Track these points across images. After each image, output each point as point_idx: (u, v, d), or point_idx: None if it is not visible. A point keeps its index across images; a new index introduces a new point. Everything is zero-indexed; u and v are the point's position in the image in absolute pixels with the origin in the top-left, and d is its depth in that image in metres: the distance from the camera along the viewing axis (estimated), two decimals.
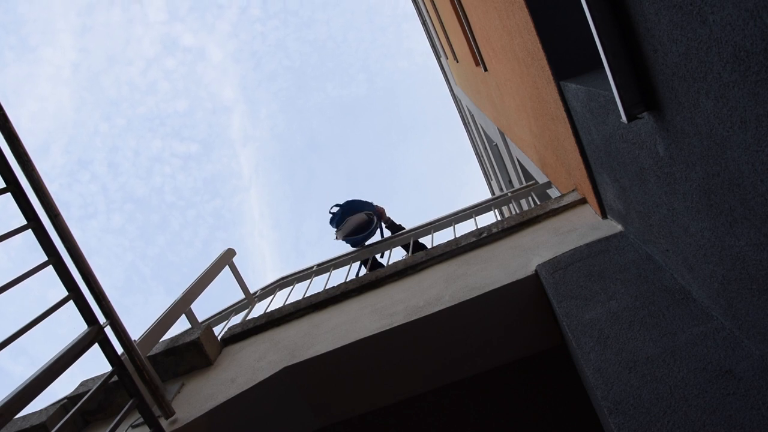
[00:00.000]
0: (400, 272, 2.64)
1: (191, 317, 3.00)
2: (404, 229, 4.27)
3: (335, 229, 4.25)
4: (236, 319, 3.46)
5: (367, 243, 4.19)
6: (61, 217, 1.94)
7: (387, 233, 4.40)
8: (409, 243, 3.72)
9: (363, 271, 3.98)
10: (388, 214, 4.51)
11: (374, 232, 4.22)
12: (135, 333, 2.28)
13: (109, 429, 1.78)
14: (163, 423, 2.11)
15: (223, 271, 3.38)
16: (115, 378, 2.00)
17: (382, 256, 4.22)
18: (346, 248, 4.18)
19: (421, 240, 4.09)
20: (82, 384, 2.58)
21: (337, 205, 4.42)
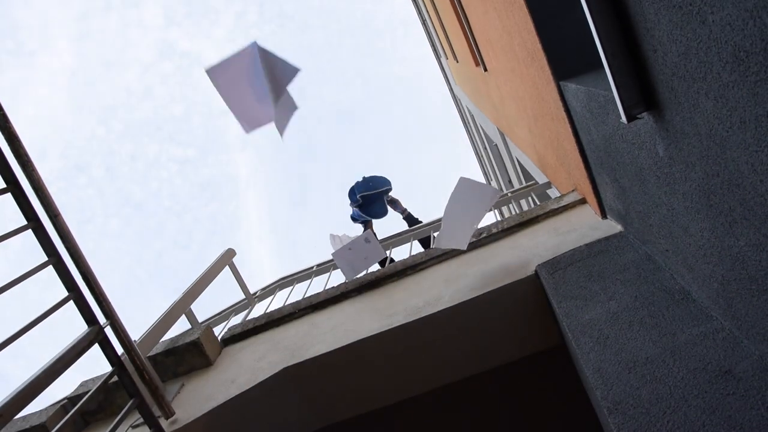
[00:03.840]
0: (400, 272, 2.64)
1: (191, 317, 3.00)
2: (421, 222, 4.40)
3: (352, 202, 4.61)
4: (236, 320, 3.46)
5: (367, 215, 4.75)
6: (61, 217, 1.94)
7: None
8: (427, 237, 3.82)
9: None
10: (404, 205, 4.71)
11: (373, 203, 4.73)
12: (134, 335, 2.28)
13: (109, 429, 1.78)
14: (164, 423, 2.11)
15: (223, 271, 3.38)
16: (115, 378, 2.00)
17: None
18: None
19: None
20: (82, 384, 2.58)
21: (360, 181, 4.77)
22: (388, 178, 4.91)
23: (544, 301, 2.06)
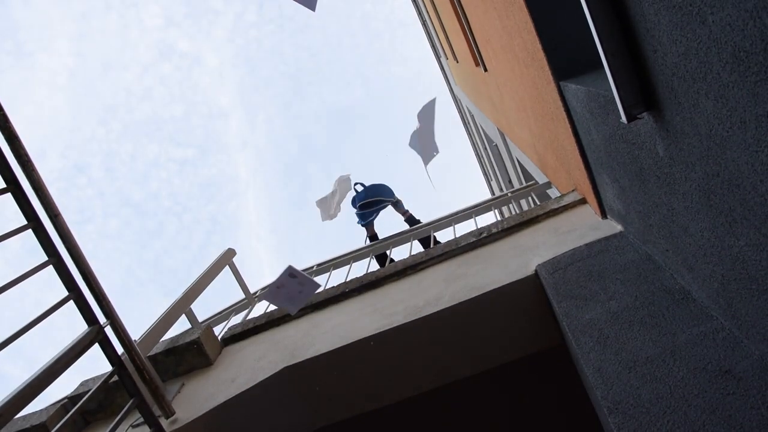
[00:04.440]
0: (400, 272, 2.64)
1: (191, 317, 3.00)
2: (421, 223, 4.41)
3: (355, 208, 4.62)
4: (236, 319, 3.46)
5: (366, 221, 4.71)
6: (62, 217, 1.94)
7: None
8: (427, 237, 3.81)
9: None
10: (405, 206, 4.73)
11: (376, 211, 4.60)
12: (134, 335, 2.28)
13: (109, 429, 1.78)
14: (164, 423, 2.11)
15: (223, 271, 3.38)
16: (115, 378, 2.00)
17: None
18: (346, 248, 4.21)
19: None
20: (83, 384, 2.58)
21: (361, 185, 4.75)
22: (390, 188, 4.92)
23: (544, 301, 2.07)
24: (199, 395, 2.31)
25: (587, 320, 1.66)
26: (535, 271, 2.07)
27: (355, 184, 4.95)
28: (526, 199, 4.61)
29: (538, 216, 2.56)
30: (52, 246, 1.90)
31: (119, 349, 2.02)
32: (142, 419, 2.16)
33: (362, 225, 4.76)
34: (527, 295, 2.09)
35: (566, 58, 2.09)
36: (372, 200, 4.70)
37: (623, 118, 1.35)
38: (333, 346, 2.23)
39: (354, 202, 4.81)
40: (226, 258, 3.46)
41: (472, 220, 3.64)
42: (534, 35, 2.17)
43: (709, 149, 1.10)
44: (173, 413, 2.18)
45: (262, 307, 3.51)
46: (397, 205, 4.87)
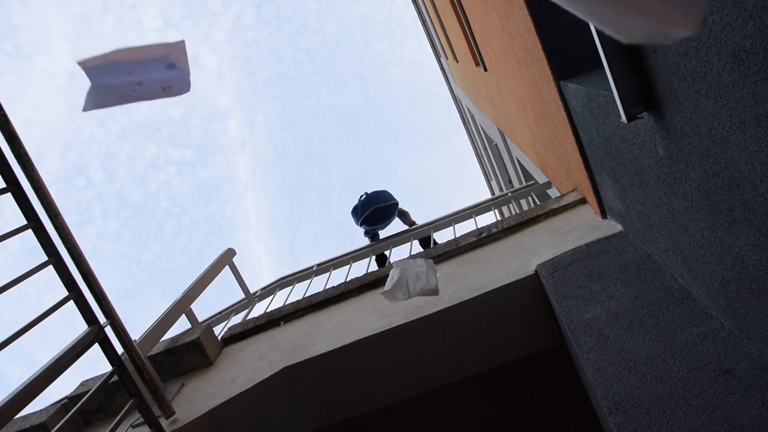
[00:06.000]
0: None
1: (191, 317, 3.00)
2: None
3: (357, 219, 4.50)
4: (236, 319, 3.47)
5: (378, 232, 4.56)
6: (61, 217, 1.94)
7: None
8: (427, 237, 3.80)
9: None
10: (413, 218, 4.67)
11: (387, 224, 4.53)
12: (134, 335, 2.28)
13: (109, 429, 1.78)
14: (164, 423, 2.11)
15: (223, 271, 3.38)
16: (115, 378, 2.00)
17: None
18: (345, 248, 4.21)
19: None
20: (82, 384, 2.58)
21: (364, 194, 4.66)
22: (391, 194, 4.78)
23: (545, 300, 2.06)
24: (199, 395, 2.31)
25: (587, 320, 1.66)
26: (535, 271, 2.07)
27: (361, 197, 4.81)
28: (526, 199, 4.61)
29: (538, 216, 2.56)
30: (52, 246, 1.90)
31: (119, 349, 2.02)
32: (142, 419, 2.16)
33: (370, 236, 4.63)
34: (527, 295, 2.09)
35: (566, 58, 2.09)
36: (379, 206, 4.56)
37: (623, 118, 1.35)
38: (333, 346, 2.23)
39: (356, 216, 4.64)
40: (226, 258, 3.46)
41: (472, 220, 3.64)
42: (534, 35, 2.17)
43: (709, 149, 1.10)
44: (173, 413, 2.18)
45: (262, 307, 3.52)
46: (403, 215, 4.79)
